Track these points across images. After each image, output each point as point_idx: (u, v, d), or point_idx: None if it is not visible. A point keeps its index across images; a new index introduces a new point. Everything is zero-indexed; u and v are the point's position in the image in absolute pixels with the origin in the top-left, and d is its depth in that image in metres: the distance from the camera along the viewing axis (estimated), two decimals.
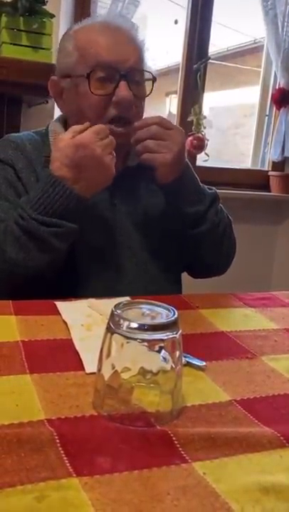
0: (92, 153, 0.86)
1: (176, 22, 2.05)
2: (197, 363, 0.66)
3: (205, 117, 2.22)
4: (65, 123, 1.05)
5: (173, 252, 1.05)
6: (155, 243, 1.03)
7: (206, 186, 1.08)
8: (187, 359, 0.65)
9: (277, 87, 2.36)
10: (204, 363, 0.66)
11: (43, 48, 1.61)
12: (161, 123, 0.94)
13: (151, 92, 0.99)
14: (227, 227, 1.09)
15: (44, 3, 1.60)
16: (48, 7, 1.61)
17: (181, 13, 2.24)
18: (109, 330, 0.52)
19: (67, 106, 1.01)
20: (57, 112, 1.88)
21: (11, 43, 1.57)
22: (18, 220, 0.86)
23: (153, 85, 1.00)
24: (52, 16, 1.61)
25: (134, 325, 0.51)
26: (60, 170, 0.87)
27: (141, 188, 1.07)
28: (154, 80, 0.99)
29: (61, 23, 1.81)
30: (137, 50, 0.97)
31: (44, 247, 0.86)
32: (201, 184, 1.04)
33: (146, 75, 1.00)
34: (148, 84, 1.01)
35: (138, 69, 0.96)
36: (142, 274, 1.01)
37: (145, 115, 1.08)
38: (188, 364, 0.65)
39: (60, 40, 1.03)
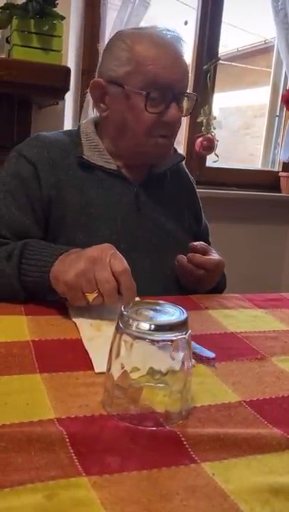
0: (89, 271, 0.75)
1: (186, 23, 2.05)
2: (206, 355, 0.67)
3: (215, 118, 2.22)
4: (96, 126, 1.06)
5: None
6: (176, 248, 1.04)
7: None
8: (197, 350, 0.66)
9: (287, 88, 2.35)
10: (214, 355, 0.67)
11: (54, 50, 1.62)
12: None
13: (191, 111, 1.02)
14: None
15: (54, 6, 1.61)
16: (59, 9, 1.62)
17: (191, 14, 2.24)
18: (119, 330, 0.52)
19: (110, 113, 1.01)
20: (67, 114, 1.89)
21: (21, 45, 1.58)
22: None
23: (195, 104, 1.02)
24: (62, 17, 1.62)
25: (144, 325, 0.51)
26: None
27: (165, 194, 1.09)
28: (196, 100, 1.02)
29: (71, 24, 1.82)
30: (187, 68, 0.99)
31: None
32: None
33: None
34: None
35: (186, 90, 0.99)
36: (162, 277, 1.02)
37: None
38: (197, 357, 0.66)
39: (109, 44, 1.02)
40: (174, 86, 0.95)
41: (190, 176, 1.21)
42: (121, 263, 0.77)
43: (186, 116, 1.03)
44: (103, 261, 0.76)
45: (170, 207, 1.09)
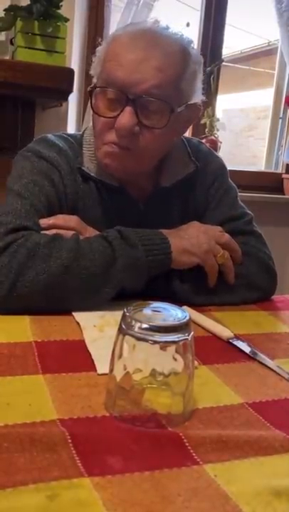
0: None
1: (188, 25, 2.05)
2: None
3: (218, 120, 2.22)
4: None
5: (201, 275, 0.90)
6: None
7: None
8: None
9: None
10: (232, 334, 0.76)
11: (58, 52, 1.62)
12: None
13: (167, 125, 0.84)
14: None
15: (59, 7, 1.62)
16: (63, 11, 1.62)
17: (194, 15, 2.24)
18: (121, 331, 0.52)
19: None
20: (71, 115, 1.90)
21: (25, 47, 1.59)
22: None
23: (170, 117, 0.84)
24: (66, 19, 1.63)
25: (146, 326, 0.51)
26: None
27: (174, 210, 1.00)
28: (171, 111, 0.84)
29: (75, 26, 1.83)
30: (164, 71, 0.82)
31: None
32: None
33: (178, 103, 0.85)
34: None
35: (153, 95, 0.82)
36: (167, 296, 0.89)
37: None
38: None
39: None
40: (129, 88, 0.82)
41: (216, 171, 1.08)
42: (224, 234, 0.94)
43: (155, 128, 0.84)
44: (213, 230, 0.92)
45: (182, 220, 0.95)
